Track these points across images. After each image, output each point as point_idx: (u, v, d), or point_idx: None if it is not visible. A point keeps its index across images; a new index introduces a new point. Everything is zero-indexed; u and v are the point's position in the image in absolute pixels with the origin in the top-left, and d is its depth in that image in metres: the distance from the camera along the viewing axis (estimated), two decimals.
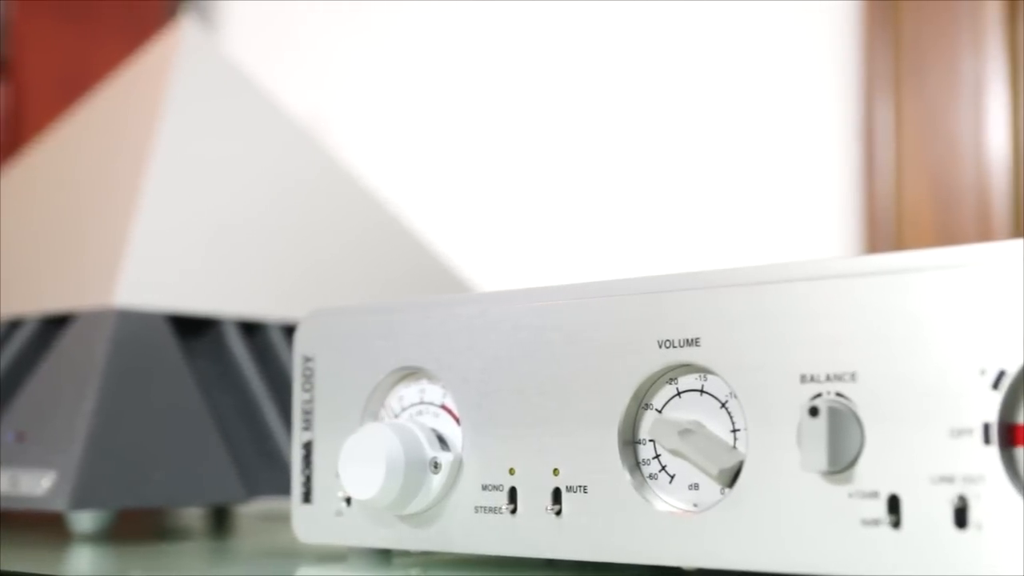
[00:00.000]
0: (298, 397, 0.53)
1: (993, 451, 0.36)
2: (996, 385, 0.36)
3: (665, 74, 1.38)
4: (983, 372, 0.36)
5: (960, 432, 0.37)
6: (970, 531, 0.36)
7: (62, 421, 0.62)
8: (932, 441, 0.37)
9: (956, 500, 0.36)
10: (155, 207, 0.69)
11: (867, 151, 1.24)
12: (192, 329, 0.68)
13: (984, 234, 1.14)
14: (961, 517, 0.36)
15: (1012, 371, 0.36)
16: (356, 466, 0.48)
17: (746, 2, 1.33)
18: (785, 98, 1.31)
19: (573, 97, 1.44)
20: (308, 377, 0.52)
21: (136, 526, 0.72)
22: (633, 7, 1.40)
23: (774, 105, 1.31)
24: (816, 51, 1.30)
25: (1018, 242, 0.36)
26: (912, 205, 1.20)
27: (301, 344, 0.53)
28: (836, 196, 1.27)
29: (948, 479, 0.37)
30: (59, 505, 0.59)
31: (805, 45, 1.30)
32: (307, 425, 0.52)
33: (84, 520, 0.62)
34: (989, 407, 0.36)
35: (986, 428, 0.36)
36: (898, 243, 1.20)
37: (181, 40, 0.77)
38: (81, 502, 0.59)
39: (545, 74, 1.46)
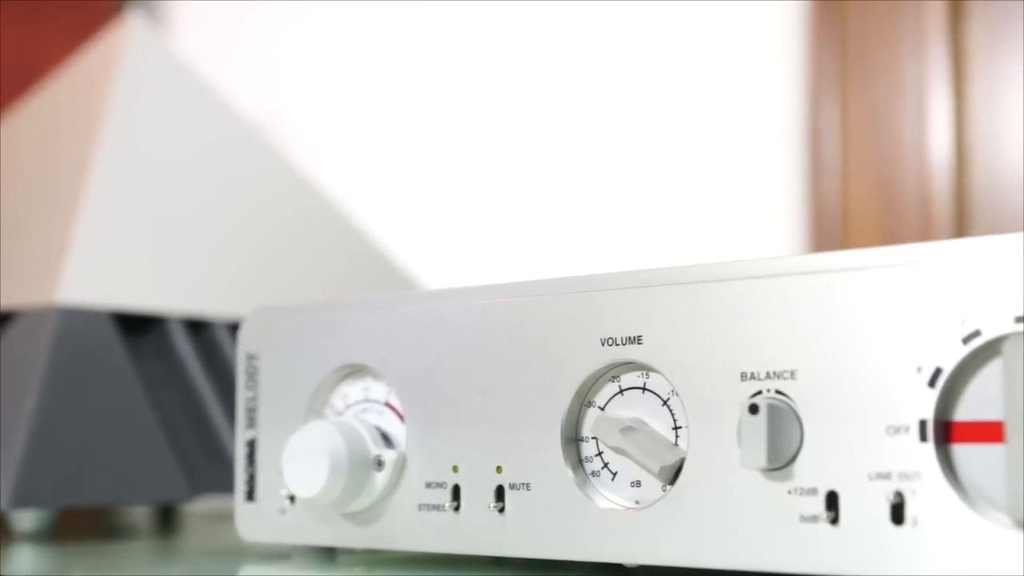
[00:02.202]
0: (242, 395, 0.53)
1: (929, 448, 0.37)
2: (932, 383, 0.37)
3: (610, 71, 1.38)
4: (920, 370, 0.37)
5: (897, 429, 0.37)
6: (906, 527, 0.37)
7: (3, 420, 0.61)
8: (870, 438, 0.37)
9: (893, 496, 0.37)
10: (99, 204, 0.69)
11: (813, 151, 1.25)
12: (136, 327, 0.68)
13: (926, 234, 1.15)
14: (898, 513, 0.37)
15: (948, 369, 0.37)
16: (299, 464, 0.48)
17: (693, 1, 1.33)
18: (732, 97, 1.31)
19: (522, 95, 1.44)
20: (252, 375, 0.52)
21: (80, 525, 0.72)
22: (576, 5, 1.40)
23: (721, 104, 1.32)
24: (763, 51, 1.31)
25: (954, 242, 0.37)
26: (857, 204, 1.21)
27: (245, 342, 0.53)
28: (783, 195, 1.28)
29: (885, 476, 0.37)
30: None
31: (752, 45, 1.31)
32: (251, 423, 0.52)
33: (25, 519, 0.61)
34: (925, 404, 0.37)
35: (922, 425, 0.37)
36: (844, 242, 1.21)
37: (127, 36, 0.76)
38: (22, 501, 0.59)
39: (495, 74, 1.46)
